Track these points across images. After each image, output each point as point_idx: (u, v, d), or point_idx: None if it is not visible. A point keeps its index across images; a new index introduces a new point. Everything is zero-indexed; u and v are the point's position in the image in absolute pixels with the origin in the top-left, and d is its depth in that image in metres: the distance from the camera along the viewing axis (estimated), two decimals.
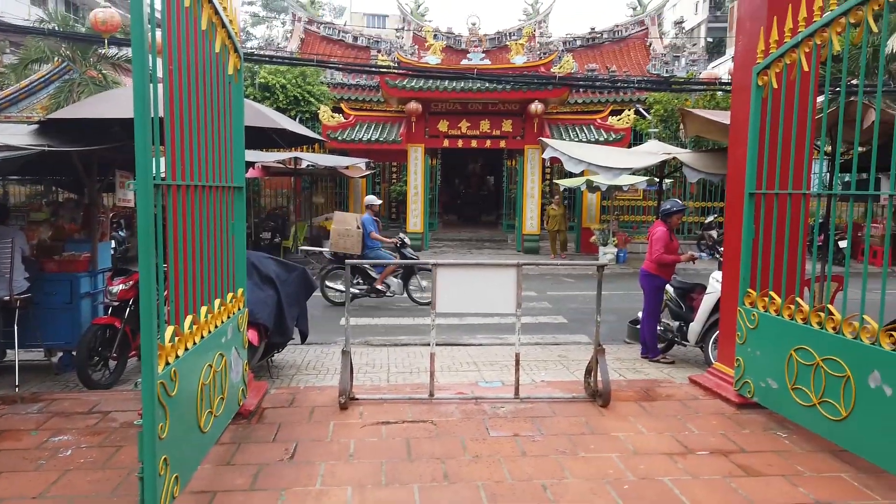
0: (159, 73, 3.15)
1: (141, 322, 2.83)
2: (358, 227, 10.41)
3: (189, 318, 3.45)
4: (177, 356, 3.20)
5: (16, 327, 5.77)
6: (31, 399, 5.03)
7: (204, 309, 3.71)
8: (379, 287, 10.34)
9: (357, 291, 10.35)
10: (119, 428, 4.41)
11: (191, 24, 3.54)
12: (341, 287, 10.35)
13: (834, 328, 3.99)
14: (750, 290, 4.89)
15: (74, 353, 5.85)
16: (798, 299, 4.37)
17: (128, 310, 5.84)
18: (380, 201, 10.89)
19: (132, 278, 5.87)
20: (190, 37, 3.53)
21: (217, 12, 3.95)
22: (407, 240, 11.16)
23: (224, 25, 4.12)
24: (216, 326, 3.89)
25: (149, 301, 2.83)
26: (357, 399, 5.03)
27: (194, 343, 3.47)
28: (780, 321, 4.47)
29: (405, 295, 10.54)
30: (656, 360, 6.80)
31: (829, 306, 4.12)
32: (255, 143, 8.11)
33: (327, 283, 10.48)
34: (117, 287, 5.84)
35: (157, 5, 3.09)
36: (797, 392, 4.25)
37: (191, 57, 3.55)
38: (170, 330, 3.17)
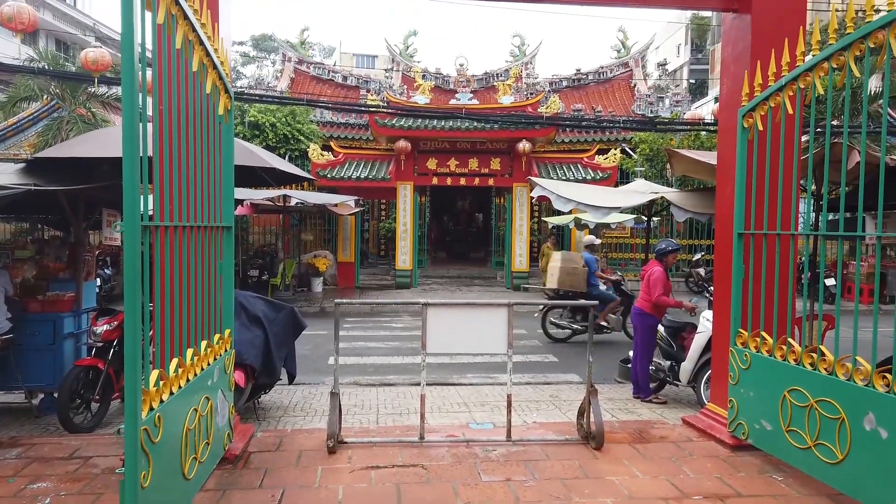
0: (149, 113, 3.14)
1: (125, 366, 2.77)
2: (584, 266, 10.64)
3: (175, 361, 3.38)
4: (161, 401, 3.12)
5: None
6: (10, 444, 4.87)
7: (190, 351, 3.64)
8: (602, 323, 10.55)
9: (578, 328, 10.56)
10: (100, 474, 4.28)
11: (182, 65, 3.55)
12: (564, 322, 10.62)
13: (826, 369, 3.97)
14: (741, 329, 4.88)
15: (56, 395, 5.71)
16: (790, 340, 4.36)
17: (112, 350, 5.73)
18: (599, 241, 11.13)
19: (117, 318, 5.78)
20: (181, 77, 3.54)
21: (208, 54, 3.96)
22: (625, 277, 11.39)
23: (215, 67, 4.14)
24: (202, 369, 3.81)
25: (134, 344, 2.77)
26: (346, 442, 4.92)
27: (179, 387, 3.39)
28: (773, 362, 4.45)
29: (622, 332, 10.66)
30: (649, 401, 6.74)
31: (821, 347, 4.11)
32: (245, 181, 8.11)
33: (550, 319, 10.70)
34: (102, 327, 5.74)
35: (149, 45, 3.09)
36: (792, 434, 4.21)
37: (181, 97, 3.55)
38: (155, 374, 3.10)
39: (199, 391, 3.71)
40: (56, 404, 5.57)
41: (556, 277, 10.67)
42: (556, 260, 10.89)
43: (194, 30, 3.67)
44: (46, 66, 16.76)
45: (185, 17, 3.53)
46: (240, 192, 10.38)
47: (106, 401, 5.78)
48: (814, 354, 4.10)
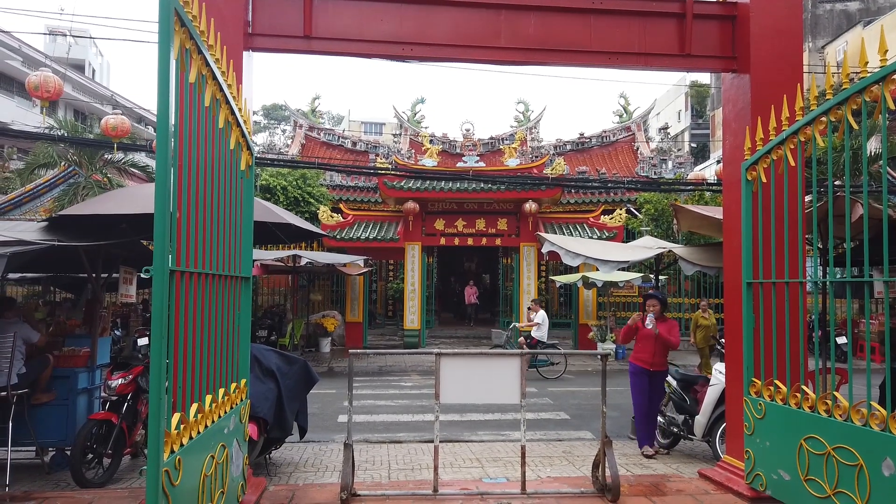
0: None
1: (149, 405, 2.83)
2: None
3: (195, 406, 3.42)
4: (181, 444, 3.15)
5: (10, 423, 5.64)
6: (23, 498, 4.86)
7: (209, 398, 3.68)
8: None
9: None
10: None
11: (209, 122, 3.73)
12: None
13: (842, 416, 3.96)
14: (754, 378, 4.88)
15: (68, 451, 5.69)
16: (804, 387, 4.36)
17: (125, 405, 5.75)
18: None
19: (132, 372, 5.83)
20: (208, 134, 3.72)
21: (233, 112, 4.17)
22: None
23: (238, 125, 4.34)
24: (219, 416, 3.84)
25: (158, 384, 2.83)
26: (359, 495, 4.87)
27: (198, 432, 3.43)
28: (788, 410, 4.43)
29: None
30: (652, 456, 6.62)
31: (836, 394, 4.11)
32: (258, 238, 8.26)
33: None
34: (116, 381, 5.77)
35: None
36: (811, 483, 4.16)
37: (208, 152, 3.72)
38: (176, 417, 3.14)
39: (216, 438, 3.73)
40: (69, 458, 5.54)
41: None
42: None
43: (221, 89, 3.87)
44: (66, 134, 17.32)
45: (214, 78, 3.74)
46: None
47: (118, 455, 5.75)
48: (828, 401, 4.10)
